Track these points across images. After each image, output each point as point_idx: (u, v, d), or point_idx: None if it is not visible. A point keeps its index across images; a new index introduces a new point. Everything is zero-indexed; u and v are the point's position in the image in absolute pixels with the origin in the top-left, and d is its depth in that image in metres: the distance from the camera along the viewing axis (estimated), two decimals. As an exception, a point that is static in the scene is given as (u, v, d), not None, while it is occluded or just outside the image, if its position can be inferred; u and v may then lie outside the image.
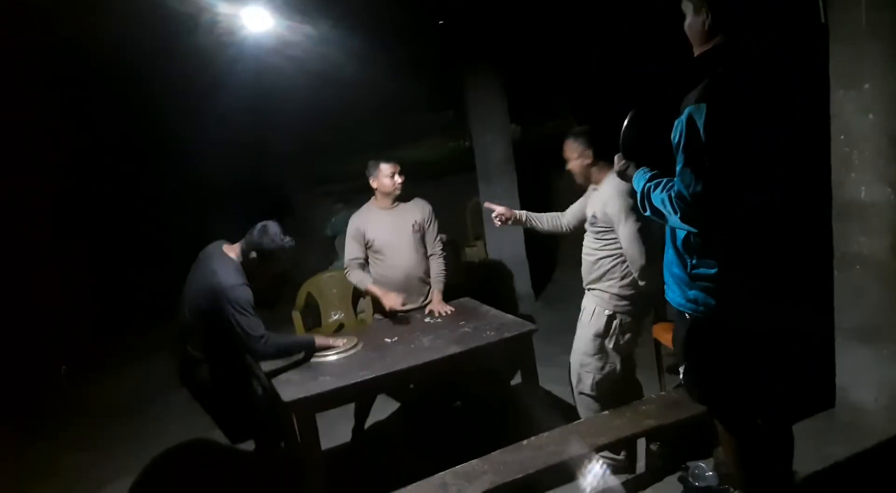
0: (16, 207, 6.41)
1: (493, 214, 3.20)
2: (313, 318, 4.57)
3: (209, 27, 4.72)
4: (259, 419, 2.88)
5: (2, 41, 5.30)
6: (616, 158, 2.22)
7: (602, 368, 2.90)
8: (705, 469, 2.67)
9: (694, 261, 1.98)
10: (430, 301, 3.59)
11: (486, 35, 5.45)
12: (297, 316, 4.28)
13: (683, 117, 1.83)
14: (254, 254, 2.80)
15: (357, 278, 3.56)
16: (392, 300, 3.36)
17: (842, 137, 2.86)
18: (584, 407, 3.00)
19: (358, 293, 4.44)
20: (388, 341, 3.18)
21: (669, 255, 2.10)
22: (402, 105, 8.66)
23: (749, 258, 1.94)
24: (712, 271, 1.94)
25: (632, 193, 2.40)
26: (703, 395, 2.22)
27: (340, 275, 4.71)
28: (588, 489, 2.74)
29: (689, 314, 2.05)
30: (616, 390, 2.96)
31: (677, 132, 1.86)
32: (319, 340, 3.09)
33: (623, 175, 2.22)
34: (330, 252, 6.60)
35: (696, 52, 1.95)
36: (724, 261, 1.93)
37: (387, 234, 3.50)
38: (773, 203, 1.91)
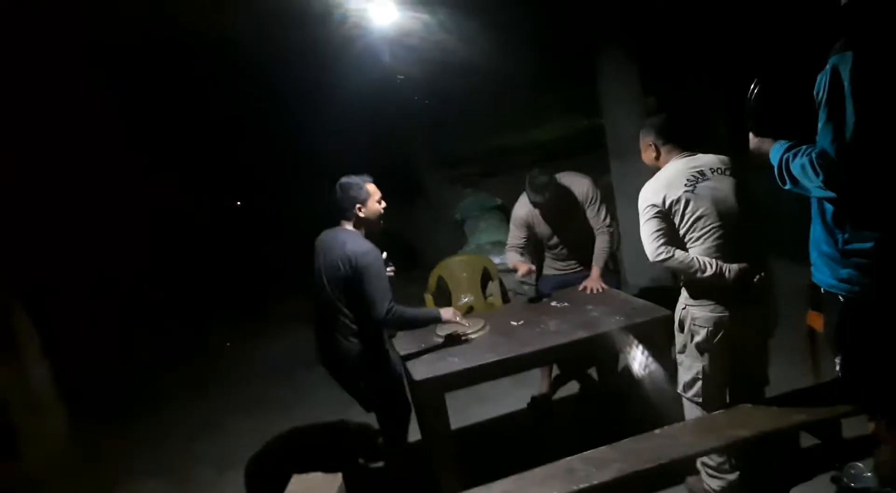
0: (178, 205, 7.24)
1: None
2: (444, 301, 4.68)
3: (341, 23, 4.95)
4: (391, 388, 2.93)
5: (138, 40, 5.85)
6: (751, 137, 2.06)
7: (690, 367, 2.61)
8: (863, 470, 2.42)
9: (846, 235, 1.78)
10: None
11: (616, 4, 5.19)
12: (429, 299, 4.42)
13: (827, 69, 1.69)
14: (357, 208, 2.82)
15: (512, 260, 3.61)
16: (524, 271, 3.45)
17: None
18: (687, 411, 2.73)
19: (487, 277, 4.50)
20: (514, 324, 3.19)
21: (817, 231, 1.91)
22: (529, 83, 8.52)
23: None
24: (868, 245, 1.74)
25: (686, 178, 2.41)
26: (863, 389, 2.01)
27: (470, 259, 4.80)
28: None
29: (842, 296, 1.85)
30: (714, 396, 2.62)
31: (820, 86, 1.71)
32: (445, 314, 3.00)
33: (758, 153, 2.04)
34: (459, 236, 6.68)
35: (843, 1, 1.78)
36: (883, 232, 1.72)
37: (549, 227, 3.56)
38: None
